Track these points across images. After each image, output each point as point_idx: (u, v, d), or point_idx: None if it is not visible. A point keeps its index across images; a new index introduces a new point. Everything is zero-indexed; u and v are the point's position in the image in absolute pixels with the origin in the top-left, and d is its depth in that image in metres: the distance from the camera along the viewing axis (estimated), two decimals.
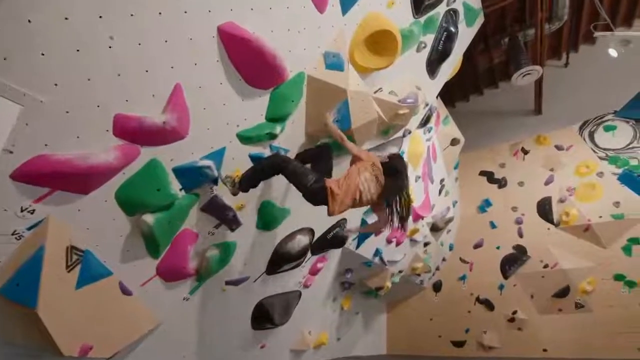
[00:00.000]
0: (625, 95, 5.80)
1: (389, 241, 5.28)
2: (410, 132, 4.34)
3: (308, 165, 2.79)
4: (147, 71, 1.98)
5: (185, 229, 2.65)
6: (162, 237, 2.40)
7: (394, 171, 2.58)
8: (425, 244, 6.17)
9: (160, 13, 1.92)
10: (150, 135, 2.14)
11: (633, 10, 6.36)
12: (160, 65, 2.04)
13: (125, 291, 2.39)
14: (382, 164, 2.61)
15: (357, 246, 4.72)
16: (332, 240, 4.08)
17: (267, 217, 3.17)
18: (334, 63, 2.88)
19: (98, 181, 2.05)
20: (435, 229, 6.20)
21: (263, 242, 3.35)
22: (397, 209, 2.51)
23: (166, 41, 2.01)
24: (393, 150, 4.18)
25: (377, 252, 5.16)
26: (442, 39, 3.96)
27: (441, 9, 3.80)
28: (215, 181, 2.61)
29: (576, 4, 6.10)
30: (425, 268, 6.24)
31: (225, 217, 2.81)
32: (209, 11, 2.12)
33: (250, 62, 2.38)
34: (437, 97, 5.43)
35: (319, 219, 3.73)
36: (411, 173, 5.12)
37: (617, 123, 6.09)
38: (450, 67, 4.45)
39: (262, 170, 2.62)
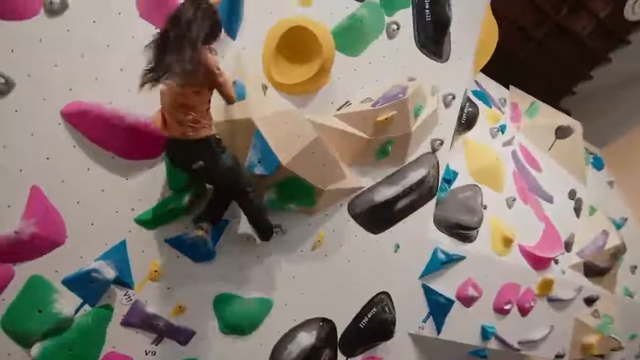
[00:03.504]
0: None
1: (500, 310, 3.38)
2: (442, 143, 2.99)
3: None
4: None
5: (110, 352, 2.16)
6: None
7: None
8: (590, 301, 3.73)
9: None
10: (13, 250, 1.90)
11: None
12: (6, 173, 1.86)
13: None
14: None
15: (438, 330, 3.14)
16: (370, 326, 2.79)
17: (231, 317, 2.37)
18: (239, 95, 2.28)
19: None
20: (596, 271, 3.75)
21: (243, 352, 2.45)
22: None
23: (5, 146, 1.92)
24: (418, 174, 2.89)
25: (486, 332, 3.32)
26: (427, 6, 2.86)
27: None
28: (121, 283, 2.14)
29: None
30: (607, 343, 3.63)
31: (160, 328, 2.21)
32: (44, 99, 1.94)
33: (116, 134, 2.02)
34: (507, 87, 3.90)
35: (334, 298, 2.68)
36: (494, 197, 3.47)
37: None
38: (471, 39, 3.10)
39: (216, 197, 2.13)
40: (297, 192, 2.31)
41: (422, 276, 3.07)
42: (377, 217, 2.80)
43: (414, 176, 2.84)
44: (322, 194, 2.36)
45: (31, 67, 1.89)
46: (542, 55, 5.61)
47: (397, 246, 2.93)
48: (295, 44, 2.31)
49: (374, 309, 2.82)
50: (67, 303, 1.98)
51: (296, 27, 2.25)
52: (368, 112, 2.49)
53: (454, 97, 3.04)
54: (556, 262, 3.63)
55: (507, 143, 3.77)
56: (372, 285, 2.86)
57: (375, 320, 2.79)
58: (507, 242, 3.37)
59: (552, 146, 3.97)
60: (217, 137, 1.90)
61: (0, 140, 1.86)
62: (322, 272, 2.68)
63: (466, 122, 3.20)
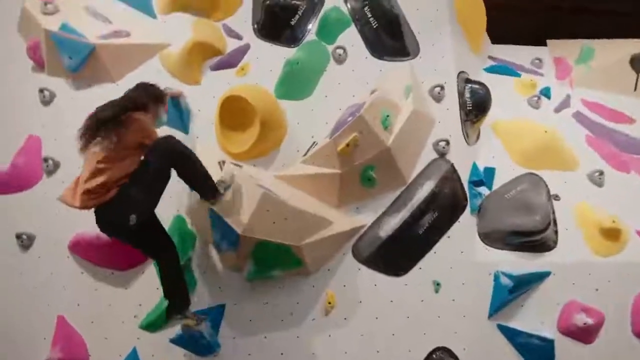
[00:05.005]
0: None
1: None
2: (448, 142, 2.40)
3: None
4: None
5: None
6: None
7: None
8: None
9: None
10: None
11: None
12: (38, 309, 2.22)
13: None
14: None
15: None
16: None
17: None
18: None
19: None
20: None
21: None
22: None
23: (35, 287, 2.28)
24: (426, 189, 2.33)
25: None
26: (368, 15, 2.59)
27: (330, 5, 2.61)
28: None
29: None
30: None
31: None
32: (54, 243, 2.30)
33: (105, 251, 2.24)
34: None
35: None
36: (567, 179, 2.59)
37: None
38: (440, 20, 2.57)
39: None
40: (274, 256, 2.10)
41: (492, 315, 2.29)
42: (392, 255, 2.30)
43: (422, 193, 2.31)
44: (301, 250, 2.10)
45: (41, 222, 2.34)
46: None
47: (437, 284, 2.31)
48: (234, 114, 2.34)
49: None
50: None
51: (227, 98, 2.30)
52: (328, 146, 2.23)
53: (442, 88, 2.53)
54: None
55: (562, 106, 2.84)
56: (419, 343, 2.23)
57: None
58: (612, 233, 2.31)
59: (637, 84, 2.80)
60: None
61: (30, 284, 2.30)
62: (348, 340, 2.23)
63: (475, 107, 2.57)
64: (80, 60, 2.38)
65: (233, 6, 2.64)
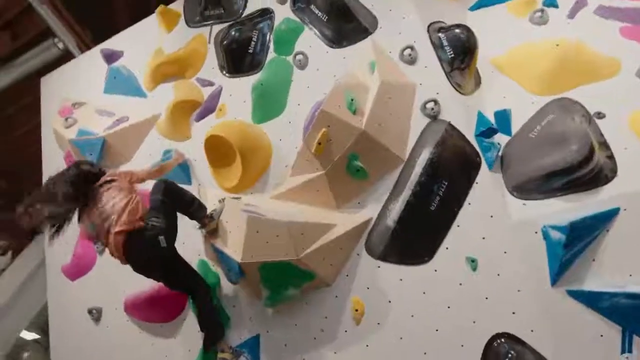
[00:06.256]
0: None
1: None
2: (436, 102, 2.10)
3: None
4: None
5: None
6: None
7: None
8: None
9: None
10: None
11: None
12: None
13: None
14: None
15: None
16: None
17: None
18: None
19: None
20: None
21: None
22: None
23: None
24: (423, 158, 2.02)
25: None
26: (317, 12, 2.51)
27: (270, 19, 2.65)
28: None
29: None
30: None
31: None
32: (115, 308, 2.66)
33: (149, 307, 2.50)
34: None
35: None
36: (605, 89, 2.06)
37: None
38: None
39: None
40: (282, 276, 2.04)
41: (555, 281, 1.80)
42: (409, 242, 2.04)
43: (419, 165, 2.04)
44: (303, 262, 2.00)
45: (104, 295, 2.73)
46: None
47: (472, 261, 1.95)
48: (219, 152, 2.45)
49: None
50: None
51: (207, 140, 2.42)
52: (303, 151, 2.17)
53: (412, 49, 2.27)
54: None
55: (577, 8, 2.26)
56: (470, 335, 1.87)
57: None
58: None
59: None
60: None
61: (106, 349, 2.64)
62: (386, 346, 2.00)
63: (457, 53, 2.22)
64: (97, 153, 2.82)
65: (200, 60, 2.85)
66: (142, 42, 3.11)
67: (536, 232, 1.87)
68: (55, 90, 3.45)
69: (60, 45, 4.26)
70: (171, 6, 3.09)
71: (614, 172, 1.84)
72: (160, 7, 2.96)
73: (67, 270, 2.91)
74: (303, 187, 2.24)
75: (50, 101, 3.40)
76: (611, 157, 1.87)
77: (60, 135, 2.99)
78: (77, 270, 2.84)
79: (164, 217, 1.99)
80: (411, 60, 2.30)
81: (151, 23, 3.15)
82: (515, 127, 2.15)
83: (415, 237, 2.03)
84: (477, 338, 1.87)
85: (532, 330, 1.81)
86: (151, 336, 2.56)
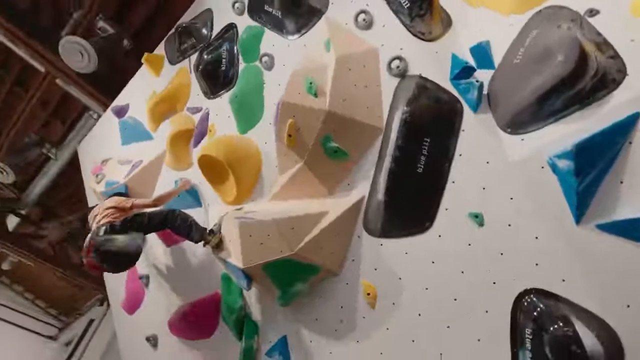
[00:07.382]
0: None
1: None
2: (401, 59, 1.90)
3: None
4: None
5: None
6: None
7: None
8: None
9: None
10: None
11: None
12: None
13: None
14: None
15: None
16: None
17: None
18: None
19: None
20: None
21: None
22: None
23: None
24: (397, 119, 1.83)
25: None
26: (270, 10, 2.49)
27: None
28: None
29: None
30: None
31: None
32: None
33: (187, 325, 2.69)
34: None
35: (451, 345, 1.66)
36: None
37: None
38: None
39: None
40: (286, 273, 2.02)
41: (580, 218, 1.49)
42: (403, 211, 1.88)
43: (394, 129, 1.87)
44: (301, 255, 1.95)
45: (157, 323, 3.00)
46: None
47: (476, 216, 1.71)
48: (213, 170, 2.55)
49: (531, 328, 1.50)
50: None
51: (199, 161, 2.53)
52: (279, 147, 2.14)
53: (365, 12, 2.12)
54: None
55: None
56: (493, 297, 1.64)
57: (546, 348, 1.43)
58: None
59: None
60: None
61: None
62: (407, 326, 1.85)
63: (414, 1, 2.00)
64: None
65: (186, 92, 3.02)
66: (140, 90, 3.41)
67: (543, 167, 1.60)
68: (89, 154, 3.95)
69: (95, 116, 4.90)
70: (155, 52, 3.37)
71: (622, 72, 1.49)
72: (145, 55, 3.23)
73: (124, 306, 3.26)
74: (291, 182, 2.22)
75: (86, 164, 3.91)
76: (615, 55, 1.52)
77: (94, 191, 3.40)
78: (132, 303, 3.15)
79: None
80: (367, 25, 2.16)
81: (144, 72, 3.46)
82: (498, 59, 1.90)
83: (408, 205, 1.87)
84: (502, 300, 1.63)
85: (563, 280, 1.53)
86: (202, 352, 2.72)
